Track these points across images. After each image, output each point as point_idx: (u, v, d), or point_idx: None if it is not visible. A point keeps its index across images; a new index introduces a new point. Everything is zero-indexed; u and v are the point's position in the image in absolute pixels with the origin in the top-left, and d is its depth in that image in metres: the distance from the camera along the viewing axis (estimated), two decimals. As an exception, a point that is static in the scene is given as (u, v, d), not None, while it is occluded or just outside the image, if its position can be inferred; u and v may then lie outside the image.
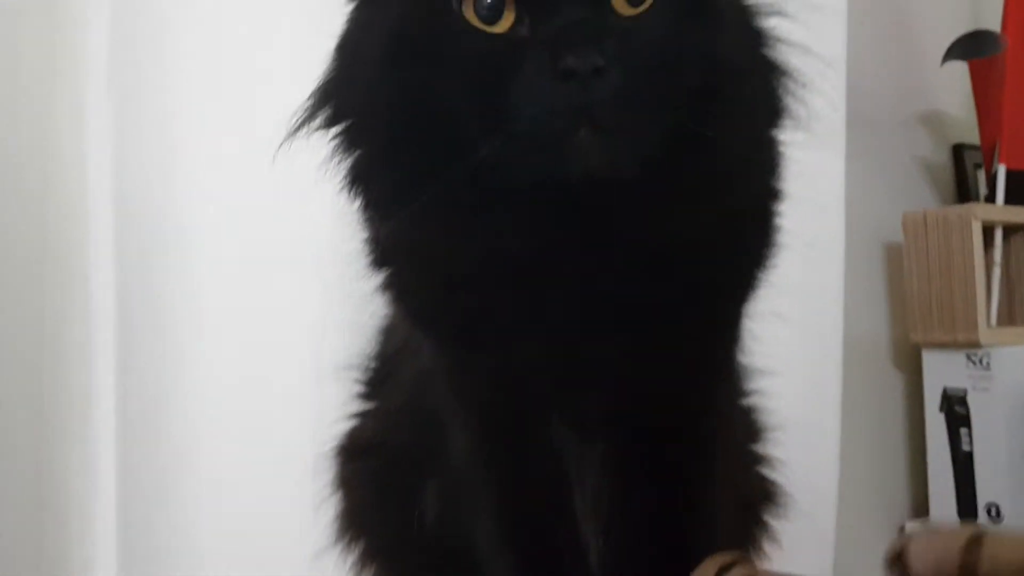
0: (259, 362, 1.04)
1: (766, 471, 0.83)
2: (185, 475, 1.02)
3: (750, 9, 0.62)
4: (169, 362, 1.01)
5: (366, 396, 0.80)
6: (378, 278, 0.64)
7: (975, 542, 0.28)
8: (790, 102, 0.62)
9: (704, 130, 0.54)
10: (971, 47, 1.84)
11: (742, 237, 0.63)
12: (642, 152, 0.53)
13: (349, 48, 0.59)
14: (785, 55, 0.62)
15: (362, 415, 0.80)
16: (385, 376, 0.78)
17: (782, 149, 0.67)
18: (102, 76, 0.96)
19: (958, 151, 2.11)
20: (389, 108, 0.55)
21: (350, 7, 0.60)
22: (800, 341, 1.59)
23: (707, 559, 0.54)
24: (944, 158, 2.13)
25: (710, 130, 0.54)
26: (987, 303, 1.80)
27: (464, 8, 0.53)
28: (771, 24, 0.62)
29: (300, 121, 0.59)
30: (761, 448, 0.83)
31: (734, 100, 0.57)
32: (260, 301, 1.04)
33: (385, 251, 0.63)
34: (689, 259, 0.59)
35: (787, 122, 0.64)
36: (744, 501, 0.79)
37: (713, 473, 0.68)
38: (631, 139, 0.53)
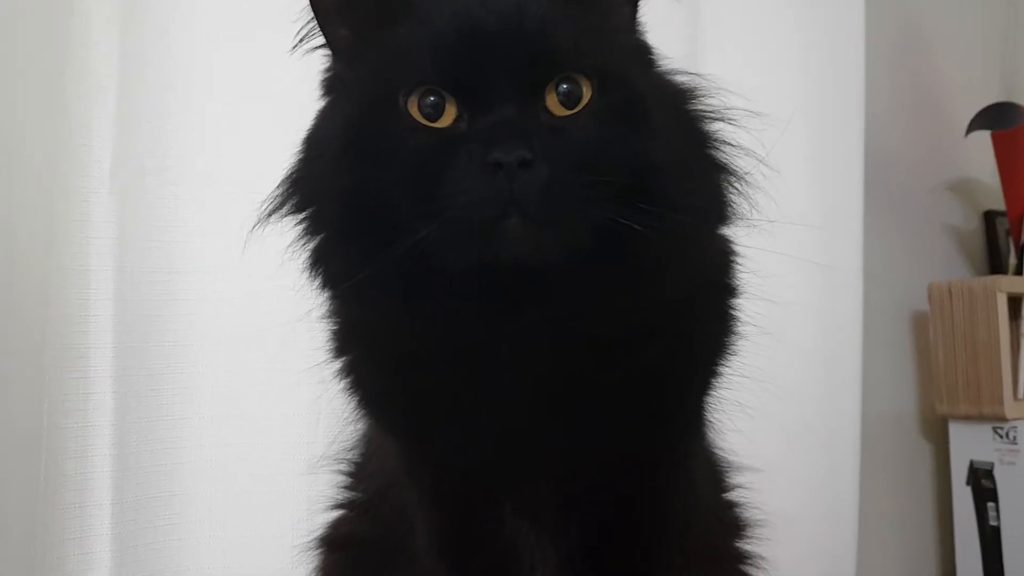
0: (252, 449, 1.07)
1: (749, 569, 0.82)
2: (177, 556, 1.05)
3: (694, 114, 0.65)
4: (163, 442, 1.04)
5: (350, 486, 0.82)
6: (337, 366, 0.68)
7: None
8: (735, 201, 0.65)
9: (633, 225, 0.56)
10: (994, 119, 1.84)
11: (689, 329, 0.65)
12: (571, 242, 0.57)
13: (313, 141, 0.64)
14: (730, 156, 0.65)
15: (345, 505, 0.82)
16: (364, 466, 0.81)
17: (731, 246, 0.69)
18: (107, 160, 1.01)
19: (989, 218, 2.10)
20: (343, 196, 0.60)
21: (319, 104, 0.65)
22: (817, 416, 1.59)
23: None
24: (975, 225, 2.12)
25: (640, 225, 0.56)
26: (1014, 376, 1.78)
27: (410, 106, 0.57)
28: (716, 127, 0.65)
29: (270, 208, 0.64)
30: (744, 544, 0.82)
31: (665, 198, 0.59)
32: (254, 387, 1.07)
33: (342, 339, 0.67)
34: (632, 348, 0.61)
35: (733, 219, 0.66)
36: None
37: (673, 567, 0.69)
38: (559, 229, 0.56)
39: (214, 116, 1.05)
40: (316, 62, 0.66)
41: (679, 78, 0.67)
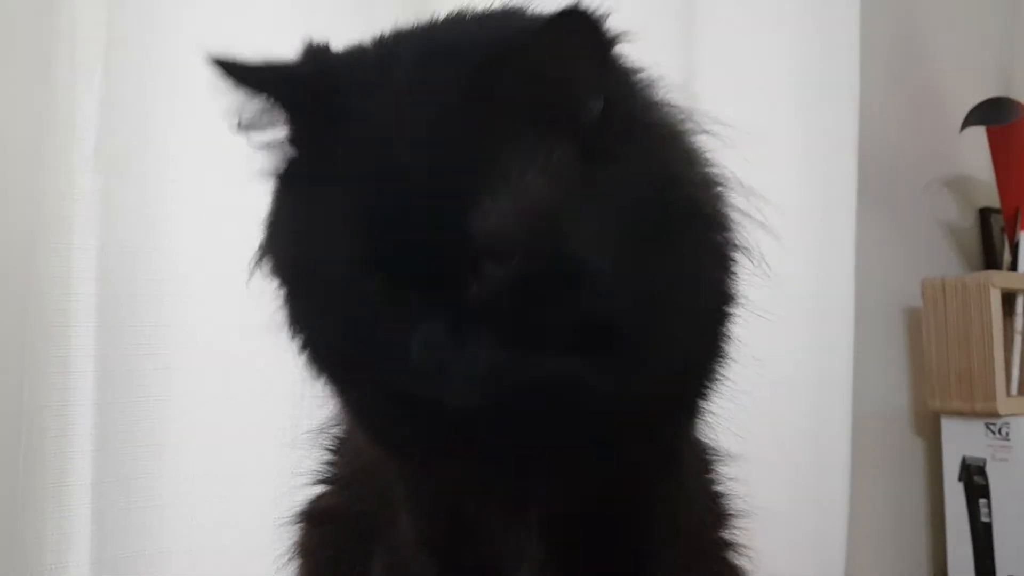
0: (234, 427, 1.06)
1: (732, 557, 0.81)
2: (157, 535, 1.05)
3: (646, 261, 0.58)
4: (144, 421, 1.04)
5: (332, 462, 0.81)
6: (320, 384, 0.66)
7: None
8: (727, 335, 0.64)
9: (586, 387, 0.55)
10: (989, 114, 1.83)
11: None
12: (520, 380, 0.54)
13: (272, 221, 0.62)
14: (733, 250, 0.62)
15: (327, 480, 0.81)
16: (347, 441, 0.79)
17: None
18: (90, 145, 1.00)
19: (985, 215, 2.10)
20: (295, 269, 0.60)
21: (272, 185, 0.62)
22: (808, 410, 1.59)
23: None
24: (970, 222, 2.12)
25: (598, 389, 0.55)
26: (1007, 372, 1.77)
27: (352, 255, 0.55)
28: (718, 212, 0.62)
29: (256, 260, 0.62)
30: (731, 534, 0.81)
31: (627, 356, 0.56)
32: (238, 366, 1.06)
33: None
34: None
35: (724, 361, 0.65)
36: None
37: (663, 560, 0.69)
38: (500, 386, 0.54)
39: (201, 95, 1.04)
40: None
41: (676, 119, 0.62)
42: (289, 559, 0.80)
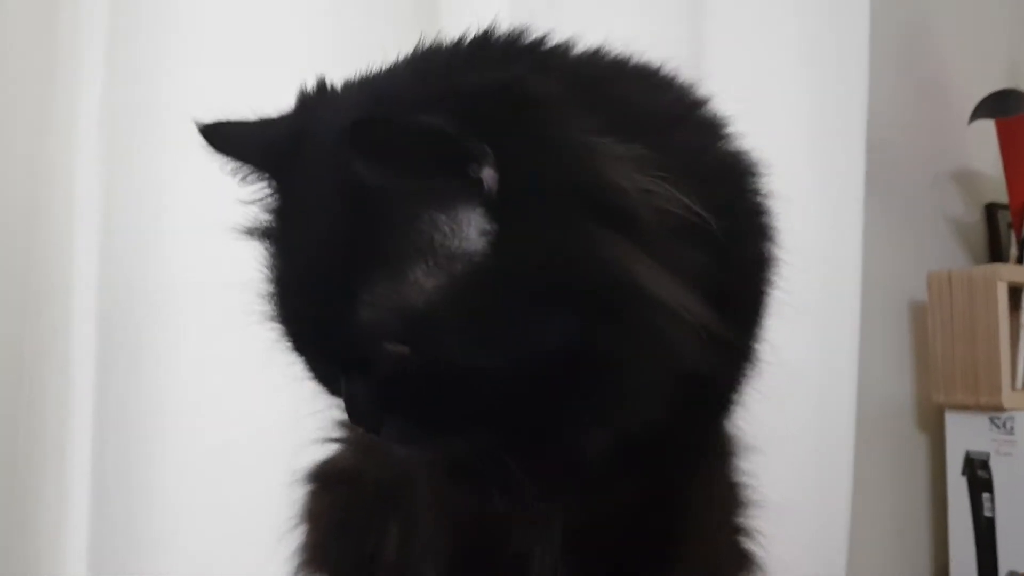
0: (236, 399, 1.06)
1: (745, 543, 0.81)
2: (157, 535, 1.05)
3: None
4: (147, 400, 1.03)
5: (347, 424, 0.78)
6: None
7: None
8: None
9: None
10: (998, 106, 1.82)
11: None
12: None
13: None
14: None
15: (341, 440, 0.79)
16: None
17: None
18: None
19: (991, 210, 2.09)
20: None
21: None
22: (812, 403, 1.58)
23: None
24: (977, 217, 2.11)
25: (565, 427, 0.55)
26: (1012, 366, 1.76)
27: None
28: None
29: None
30: (742, 518, 0.81)
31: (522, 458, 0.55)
32: (239, 365, 1.06)
33: None
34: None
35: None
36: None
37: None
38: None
39: (208, 62, 1.04)
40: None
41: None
42: (296, 523, 0.79)
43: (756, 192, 0.64)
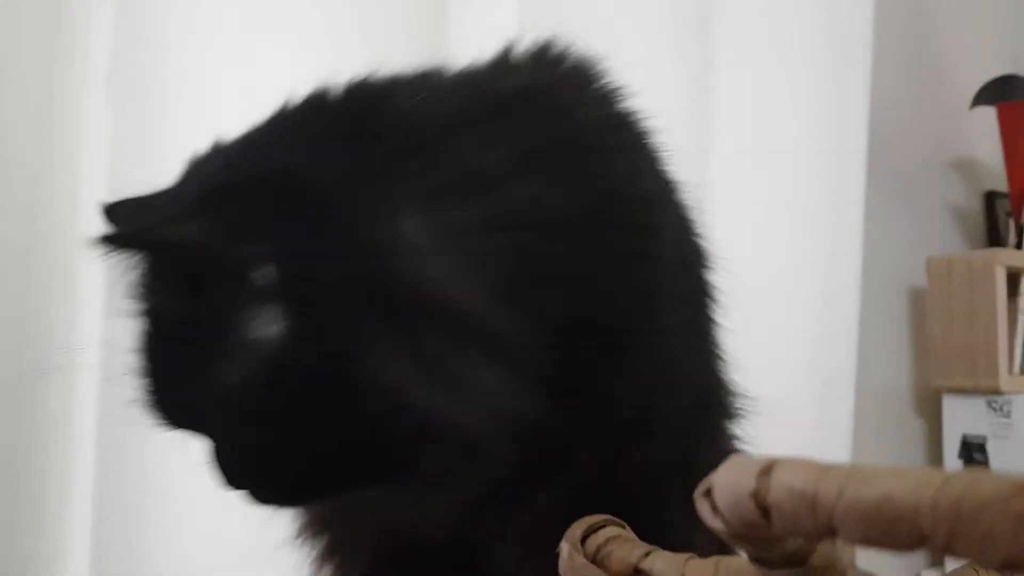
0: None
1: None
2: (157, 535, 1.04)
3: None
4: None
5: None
6: None
7: (767, 470, 0.29)
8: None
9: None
10: (999, 92, 1.84)
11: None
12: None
13: None
14: None
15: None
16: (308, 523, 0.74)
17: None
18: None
19: (990, 198, 2.10)
20: None
21: None
22: (810, 385, 1.59)
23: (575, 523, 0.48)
24: (976, 205, 2.12)
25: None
26: (1010, 350, 1.78)
27: None
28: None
29: None
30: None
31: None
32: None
33: None
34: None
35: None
36: None
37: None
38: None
39: (216, 30, 1.04)
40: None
41: None
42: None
43: (628, 224, 0.56)
